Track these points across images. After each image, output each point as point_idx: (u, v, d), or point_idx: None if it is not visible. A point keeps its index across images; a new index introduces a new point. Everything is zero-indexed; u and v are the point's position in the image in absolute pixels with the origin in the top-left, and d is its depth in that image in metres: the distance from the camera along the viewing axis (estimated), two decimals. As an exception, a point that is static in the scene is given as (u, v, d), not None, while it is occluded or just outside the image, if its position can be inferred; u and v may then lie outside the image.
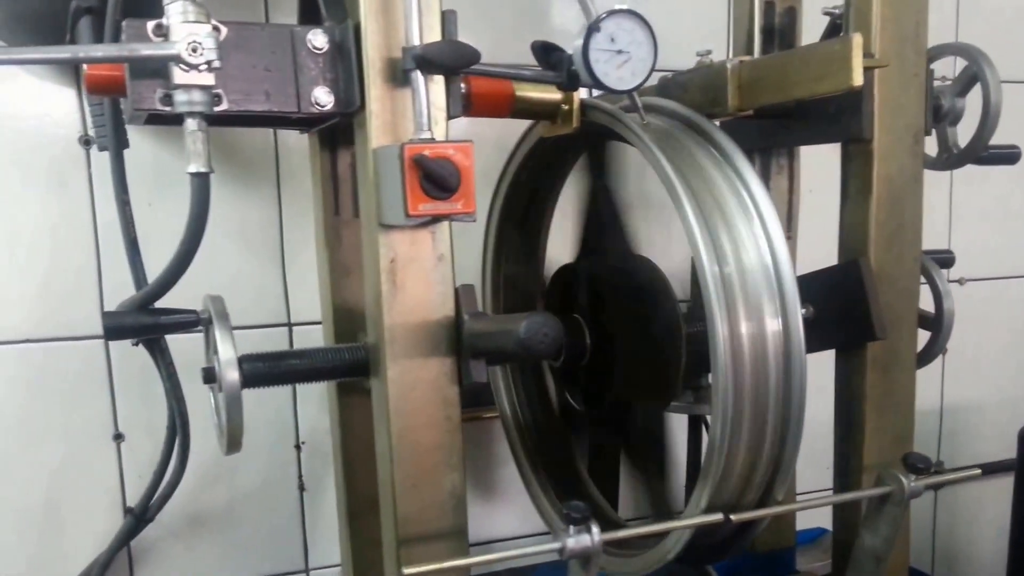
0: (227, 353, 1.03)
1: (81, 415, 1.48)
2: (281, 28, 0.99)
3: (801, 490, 1.60)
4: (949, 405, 2.17)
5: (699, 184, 1.10)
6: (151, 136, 1.42)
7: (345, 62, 1.00)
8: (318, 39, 1.00)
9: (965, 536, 2.29)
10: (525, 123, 1.33)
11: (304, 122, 1.20)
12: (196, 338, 1.16)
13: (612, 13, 0.99)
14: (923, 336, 1.37)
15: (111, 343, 1.46)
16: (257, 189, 1.52)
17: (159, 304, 1.15)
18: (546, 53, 1.04)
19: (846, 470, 1.28)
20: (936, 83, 1.32)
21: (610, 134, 1.16)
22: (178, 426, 1.30)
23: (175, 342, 1.25)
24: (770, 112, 1.25)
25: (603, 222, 1.45)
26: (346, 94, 1.01)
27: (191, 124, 0.92)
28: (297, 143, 1.50)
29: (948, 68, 1.43)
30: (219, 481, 1.57)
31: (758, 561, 1.56)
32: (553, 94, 1.16)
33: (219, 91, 0.95)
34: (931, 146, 1.35)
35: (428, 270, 1.03)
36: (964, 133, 1.37)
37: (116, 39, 1.05)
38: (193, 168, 0.94)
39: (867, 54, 1.07)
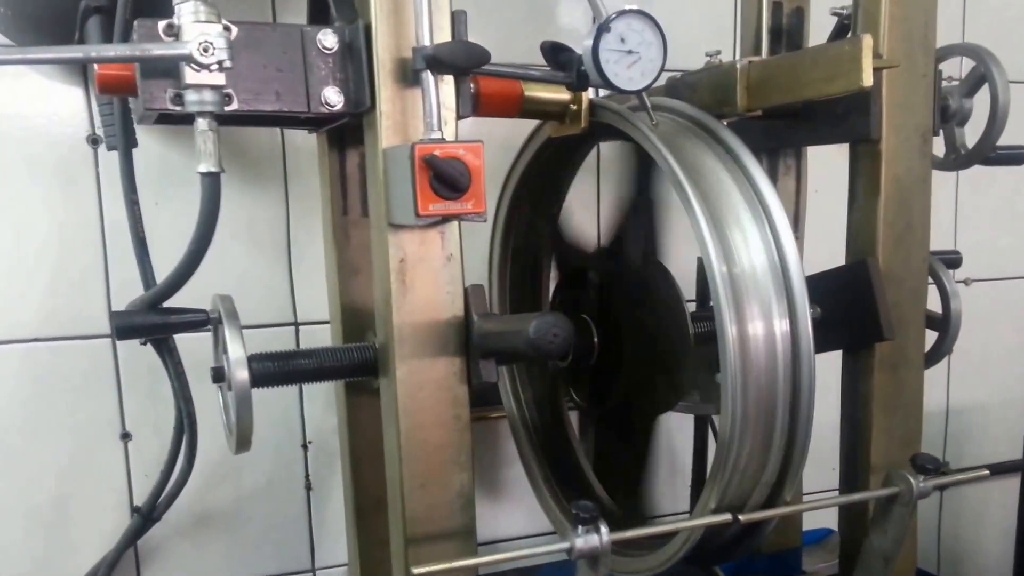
0: (237, 352, 1.03)
1: (88, 414, 1.48)
2: (292, 28, 0.99)
3: (806, 491, 1.59)
4: (955, 406, 2.17)
5: (708, 184, 1.10)
6: (158, 135, 1.43)
7: (355, 62, 1.00)
8: (328, 39, 1.00)
9: (971, 537, 2.29)
10: (530, 123, 1.33)
11: (313, 122, 1.20)
12: (202, 337, 1.17)
13: (622, 13, 0.99)
14: (930, 336, 1.37)
15: (118, 342, 1.47)
16: (264, 188, 1.52)
17: (167, 303, 1.15)
18: (555, 53, 1.04)
19: (853, 471, 1.28)
20: (944, 83, 1.32)
21: (617, 134, 1.16)
22: (186, 425, 1.30)
23: (181, 341, 1.25)
24: (778, 112, 1.25)
25: (636, 228, 1.45)
26: (356, 94, 1.01)
27: (202, 124, 0.92)
28: (304, 142, 1.50)
29: (955, 68, 1.43)
30: (226, 480, 1.57)
31: (764, 562, 1.55)
32: (562, 94, 1.16)
33: (230, 91, 0.95)
34: (938, 146, 1.35)
35: (437, 270, 1.03)
36: (972, 134, 1.37)
37: (126, 39, 1.05)
38: (204, 168, 0.94)
39: (876, 55, 1.06)
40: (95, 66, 0.95)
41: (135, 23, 0.91)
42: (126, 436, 1.51)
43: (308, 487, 1.63)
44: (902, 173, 1.20)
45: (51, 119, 1.40)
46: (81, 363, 1.46)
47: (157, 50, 0.89)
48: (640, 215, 1.45)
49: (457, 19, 0.99)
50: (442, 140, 0.93)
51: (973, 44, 1.34)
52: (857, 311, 1.21)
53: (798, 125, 1.29)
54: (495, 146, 1.32)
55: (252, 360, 1.06)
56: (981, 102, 1.33)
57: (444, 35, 0.98)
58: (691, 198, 1.04)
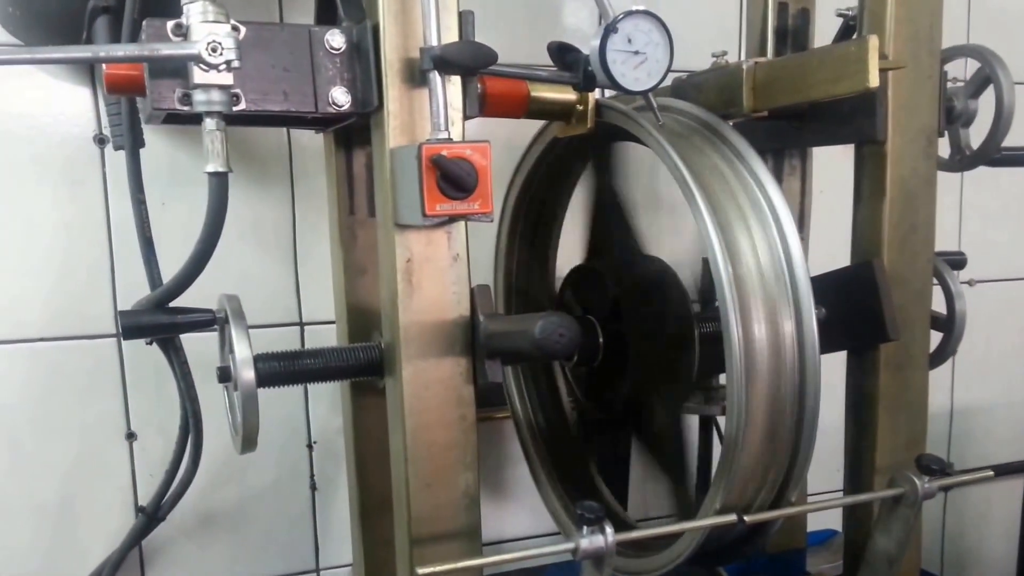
0: (243, 352, 1.04)
1: (94, 414, 1.48)
2: (299, 28, 1.00)
3: (811, 491, 1.59)
4: (959, 407, 2.17)
5: (713, 185, 1.10)
6: (165, 135, 1.43)
7: (363, 62, 1.00)
8: (336, 39, 1.00)
9: (975, 538, 2.28)
10: (535, 123, 1.33)
11: (321, 122, 1.21)
12: (208, 337, 1.17)
13: (629, 14, 0.99)
14: (934, 337, 1.37)
15: (124, 342, 1.47)
16: (270, 188, 1.52)
17: (173, 303, 1.16)
18: (562, 54, 1.04)
19: (858, 471, 1.28)
20: (949, 85, 1.32)
21: (623, 135, 1.17)
22: (191, 425, 1.30)
23: (187, 341, 1.26)
24: (784, 113, 1.25)
25: (609, 222, 1.45)
26: (363, 94, 1.01)
27: (210, 124, 0.93)
28: (311, 142, 1.50)
29: (960, 70, 1.43)
30: (230, 480, 1.57)
31: (769, 562, 1.56)
32: (568, 94, 1.16)
33: (237, 91, 0.95)
34: (943, 148, 1.35)
35: (444, 270, 1.04)
36: (976, 135, 1.37)
37: (134, 38, 1.06)
38: (211, 168, 0.94)
39: (882, 56, 1.06)
40: (103, 66, 0.95)
41: (143, 23, 0.92)
42: (131, 436, 1.51)
43: (313, 487, 1.63)
44: (907, 174, 1.20)
45: (58, 119, 1.40)
46: (87, 363, 1.46)
47: (166, 50, 0.89)
48: (609, 210, 1.44)
49: (464, 19, 1.00)
50: (449, 140, 0.93)
51: (978, 45, 1.34)
52: (862, 312, 1.21)
53: (803, 126, 1.30)
54: (501, 146, 1.33)
55: (258, 360, 1.06)
56: (986, 103, 1.33)
57: (451, 35, 0.99)
58: (697, 199, 1.04)
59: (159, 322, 1.16)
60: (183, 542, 1.56)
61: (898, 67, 1.14)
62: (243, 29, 0.94)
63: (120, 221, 1.43)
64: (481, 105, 1.07)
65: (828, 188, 1.47)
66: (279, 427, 1.58)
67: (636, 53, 1.00)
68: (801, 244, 1.08)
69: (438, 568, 0.97)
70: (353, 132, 1.25)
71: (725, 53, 1.29)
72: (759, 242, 1.08)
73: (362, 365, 1.12)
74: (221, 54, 0.89)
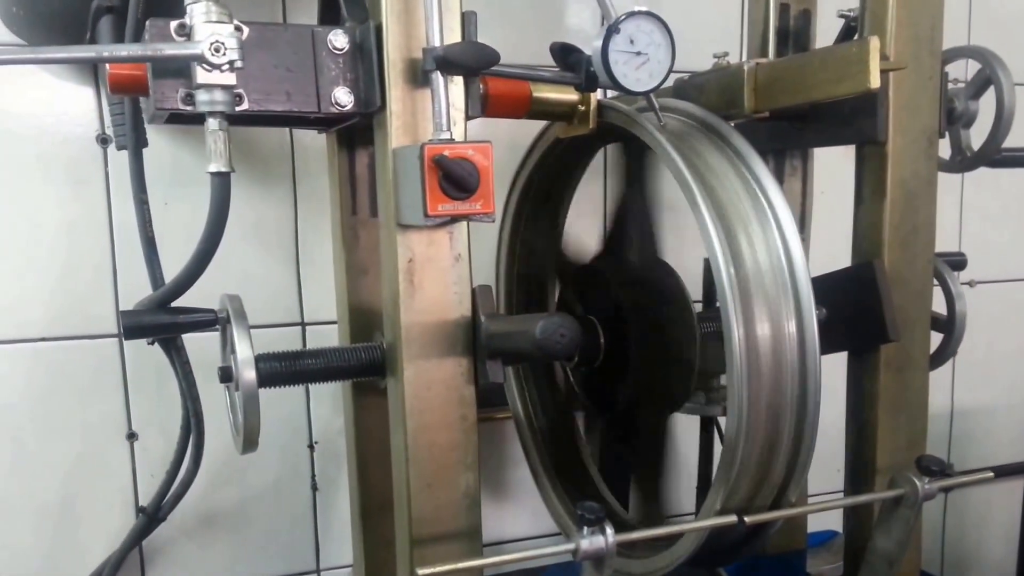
0: (245, 352, 1.04)
1: (95, 413, 1.48)
2: (303, 28, 1.00)
3: (811, 492, 1.59)
4: (960, 408, 2.17)
5: (715, 186, 1.10)
6: (168, 135, 1.43)
7: (366, 62, 1.00)
8: (339, 39, 1.00)
9: (975, 539, 2.29)
10: (537, 123, 1.33)
11: (323, 122, 1.21)
12: (209, 337, 1.17)
13: (632, 15, 0.99)
14: (935, 338, 1.37)
15: (125, 342, 1.47)
16: (273, 188, 1.52)
17: (175, 303, 1.16)
18: (565, 54, 1.05)
19: (858, 472, 1.28)
20: (950, 86, 1.33)
21: (624, 135, 1.17)
22: (193, 425, 1.31)
23: (188, 341, 1.26)
24: (785, 114, 1.25)
25: (631, 226, 1.45)
26: (366, 94, 1.01)
27: (212, 124, 0.93)
28: (313, 142, 1.51)
29: (961, 71, 1.43)
30: (231, 481, 1.57)
31: (769, 563, 1.55)
32: (570, 95, 1.16)
33: (240, 91, 0.95)
34: (944, 148, 1.35)
35: (445, 270, 1.04)
36: (977, 136, 1.37)
37: (138, 38, 1.06)
38: (214, 167, 0.94)
39: (883, 57, 1.07)
40: (107, 66, 0.95)
41: (147, 23, 0.92)
42: (132, 436, 1.51)
43: (314, 487, 1.64)
44: (908, 175, 1.20)
45: (61, 118, 1.40)
46: (88, 362, 1.46)
47: (169, 50, 0.89)
48: (634, 214, 1.45)
49: (467, 20, 1.00)
50: (451, 140, 0.93)
51: (979, 47, 1.34)
52: (863, 312, 1.21)
53: (805, 127, 1.30)
54: (503, 147, 1.33)
55: (259, 360, 1.07)
56: (987, 104, 1.33)
57: (454, 36, 0.99)
58: (698, 199, 1.04)
59: (161, 322, 1.16)
60: (184, 542, 1.56)
61: (899, 68, 1.14)
62: (246, 29, 0.94)
63: (122, 221, 1.43)
64: (483, 105, 1.08)
65: (829, 189, 1.48)
66: (280, 427, 1.58)
67: (638, 54, 1.00)
68: (802, 245, 1.08)
69: (438, 569, 0.97)
70: (356, 132, 1.25)
71: (727, 54, 1.29)
72: (760, 243, 1.08)
73: (363, 365, 1.13)
74: (224, 54, 0.90)
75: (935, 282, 1.31)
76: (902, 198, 1.20)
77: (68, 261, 1.43)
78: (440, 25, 0.94)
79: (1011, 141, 1.34)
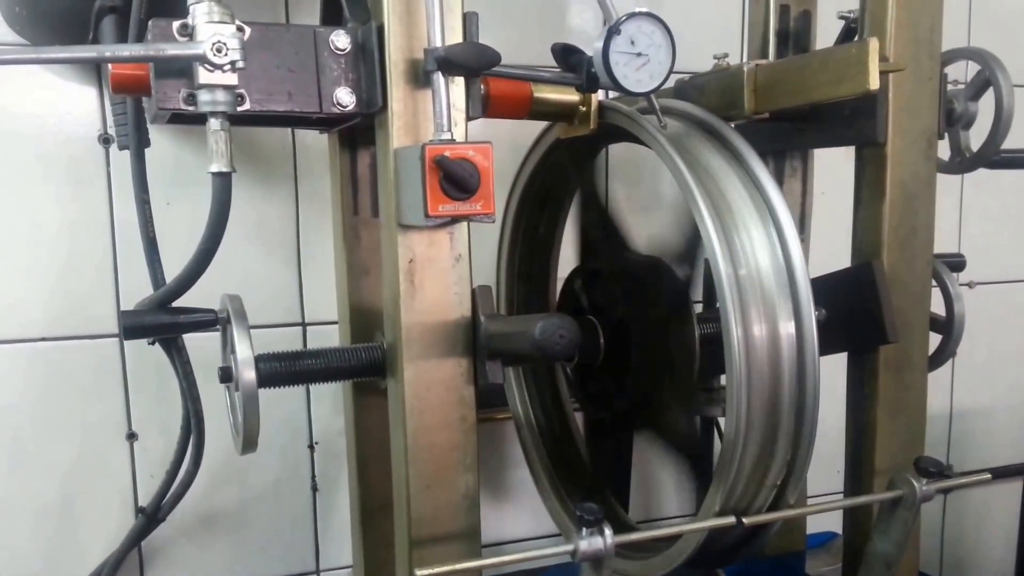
0: (244, 352, 1.04)
1: (95, 414, 1.48)
2: (304, 29, 1.00)
3: (810, 493, 1.60)
4: (958, 409, 2.18)
5: (715, 186, 1.10)
6: (170, 135, 1.43)
7: (367, 63, 1.01)
8: (341, 40, 1.00)
9: (973, 540, 2.29)
10: (538, 124, 1.33)
11: (325, 122, 1.21)
12: (209, 337, 1.17)
13: (632, 16, 1.00)
14: (934, 339, 1.37)
15: (125, 342, 1.47)
16: (274, 188, 1.52)
17: (176, 303, 1.16)
18: (566, 55, 1.05)
19: (857, 474, 1.28)
20: (949, 87, 1.33)
21: (625, 136, 1.17)
22: (193, 425, 1.30)
23: (188, 341, 1.26)
24: (785, 115, 1.25)
25: (600, 222, 1.45)
26: (368, 95, 1.02)
27: (214, 124, 0.93)
28: (315, 142, 1.51)
29: (961, 72, 1.43)
30: (231, 481, 1.57)
31: (768, 565, 1.56)
32: (571, 96, 1.17)
33: (242, 91, 0.96)
34: (943, 150, 1.35)
35: (446, 270, 1.04)
36: (976, 137, 1.38)
37: (140, 38, 1.06)
38: (215, 168, 0.95)
39: (882, 58, 1.07)
40: (109, 66, 0.96)
41: (149, 23, 0.92)
42: (132, 436, 1.51)
43: (314, 488, 1.64)
44: (907, 176, 1.20)
45: (63, 118, 1.40)
46: (89, 363, 1.46)
47: (171, 50, 0.90)
48: (601, 215, 1.45)
49: (468, 21, 1.00)
50: (452, 141, 0.94)
51: (978, 48, 1.34)
52: (862, 314, 1.21)
53: (804, 128, 1.30)
54: (504, 147, 1.33)
55: (260, 360, 1.07)
56: (986, 106, 1.33)
57: (456, 36, 0.99)
58: (698, 200, 1.04)
59: (161, 322, 1.16)
60: (183, 543, 1.56)
61: (898, 69, 1.15)
62: (248, 30, 0.95)
63: (124, 221, 1.43)
64: (484, 106, 1.08)
65: (829, 190, 1.48)
66: (280, 428, 1.58)
67: (639, 55, 1.00)
68: (801, 246, 1.08)
69: (438, 569, 0.97)
70: (357, 132, 1.25)
71: (727, 55, 1.30)
72: (759, 243, 1.08)
73: (364, 365, 1.13)
74: (226, 54, 0.90)
75: (934, 283, 1.32)
76: (901, 199, 1.20)
77: (69, 261, 1.43)
78: (441, 26, 0.94)
79: (1010, 142, 1.34)
